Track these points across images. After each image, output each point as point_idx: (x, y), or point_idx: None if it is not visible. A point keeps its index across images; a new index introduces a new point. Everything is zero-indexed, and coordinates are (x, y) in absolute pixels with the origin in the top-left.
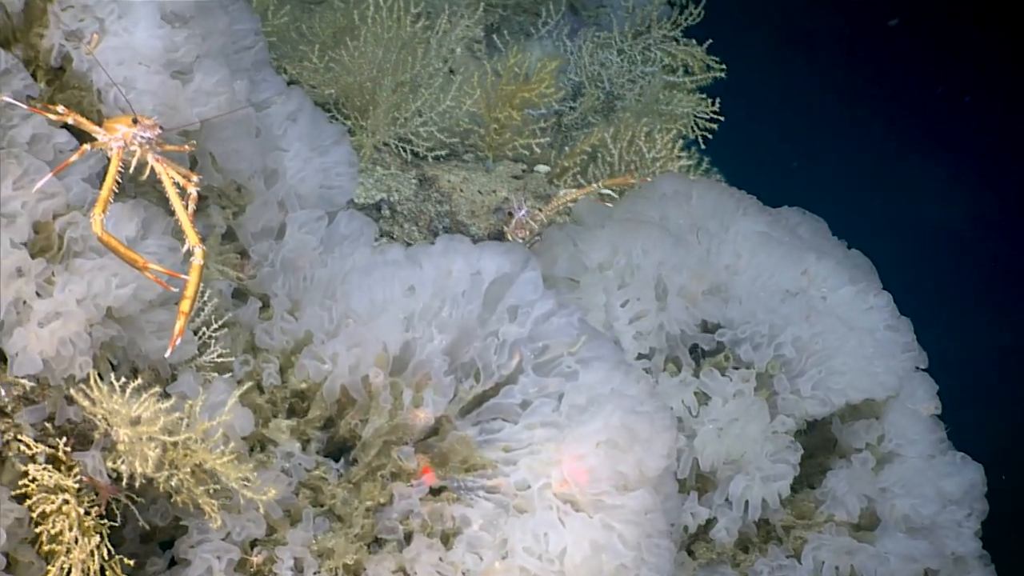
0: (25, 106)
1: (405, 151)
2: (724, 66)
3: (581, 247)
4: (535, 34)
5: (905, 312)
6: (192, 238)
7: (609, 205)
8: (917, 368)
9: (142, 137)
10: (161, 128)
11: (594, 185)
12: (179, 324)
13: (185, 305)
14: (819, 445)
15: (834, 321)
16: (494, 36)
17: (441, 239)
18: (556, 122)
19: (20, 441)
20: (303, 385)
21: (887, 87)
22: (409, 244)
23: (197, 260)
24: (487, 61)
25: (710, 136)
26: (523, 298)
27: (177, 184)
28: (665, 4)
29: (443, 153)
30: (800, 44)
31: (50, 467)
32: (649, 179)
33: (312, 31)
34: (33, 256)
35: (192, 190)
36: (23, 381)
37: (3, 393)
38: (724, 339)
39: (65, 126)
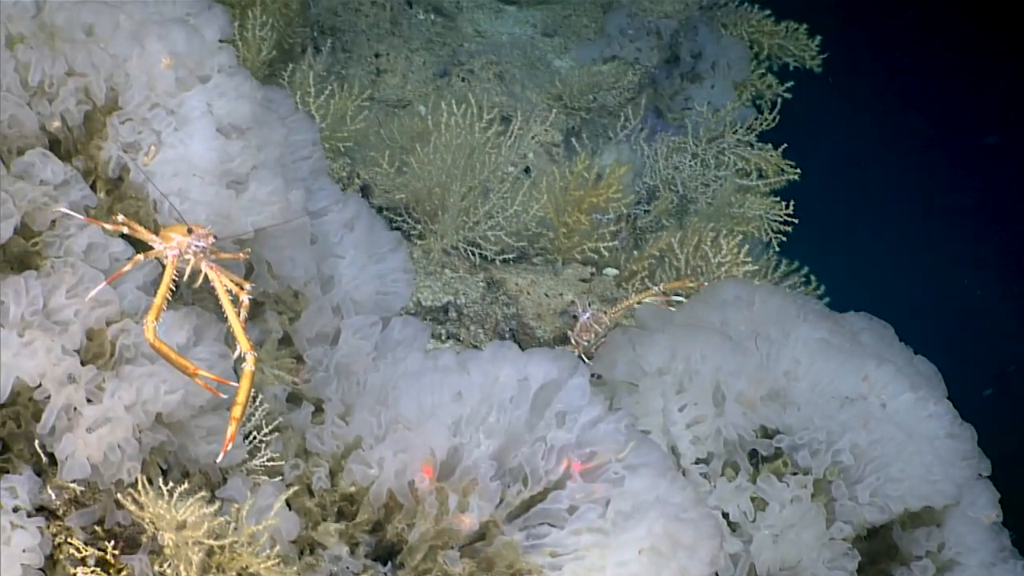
0: (82, 216)
1: (473, 254)
2: (799, 169)
3: (640, 351)
4: (613, 138)
5: None
6: (244, 345)
7: (672, 309)
8: (980, 476)
9: (196, 246)
10: (215, 237)
11: (654, 288)
12: (231, 430)
13: (237, 411)
14: (880, 551)
15: (893, 428)
16: (572, 139)
17: (490, 345)
18: (632, 225)
19: (71, 544)
20: (352, 489)
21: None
22: (476, 346)
23: (249, 366)
24: (564, 164)
25: (784, 238)
26: (571, 404)
27: (230, 291)
28: (750, 106)
29: (512, 256)
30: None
31: (99, 570)
32: (706, 283)
33: (391, 136)
34: (87, 362)
35: (244, 298)
36: (73, 485)
37: (54, 496)
38: (782, 445)
39: (123, 235)
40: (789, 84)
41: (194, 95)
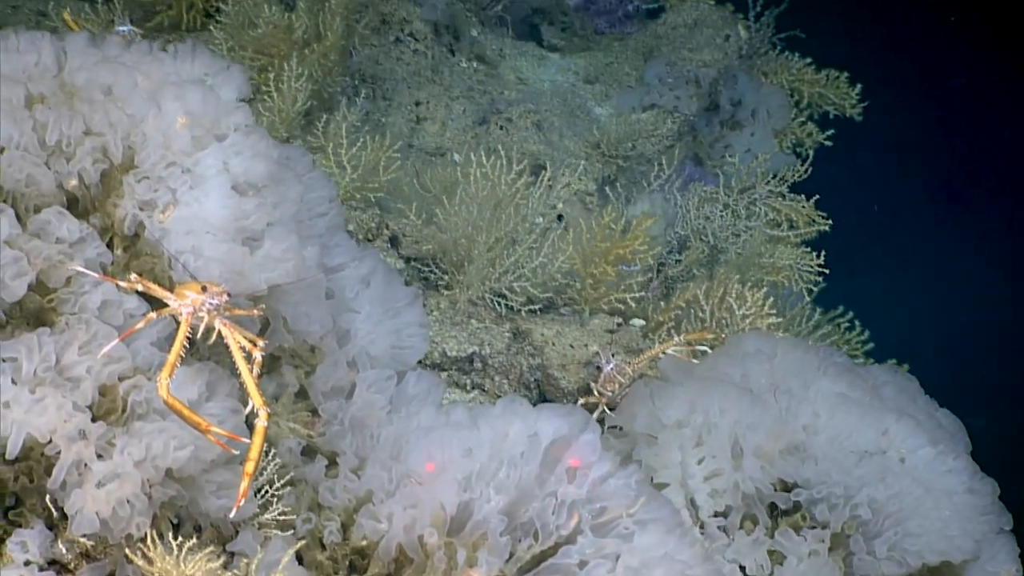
0: (97, 275)
1: (499, 305)
2: (830, 221)
3: (659, 404)
4: (647, 187)
5: None
6: (256, 400)
7: (695, 361)
8: (1001, 530)
9: (210, 304)
10: (229, 295)
11: (676, 339)
12: (243, 485)
13: (249, 467)
14: None
15: (910, 483)
16: (606, 188)
17: (501, 401)
18: (663, 275)
19: None
20: (363, 543)
21: None
22: (500, 396)
23: (261, 422)
24: (594, 214)
25: (813, 288)
26: (581, 459)
27: (244, 347)
28: (790, 153)
29: (538, 307)
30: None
31: None
32: (724, 334)
33: (423, 186)
34: (99, 417)
35: (257, 354)
36: (83, 539)
37: (65, 550)
38: (801, 498)
39: (139, 291)
40: (830, 132)
41: (210, 154)
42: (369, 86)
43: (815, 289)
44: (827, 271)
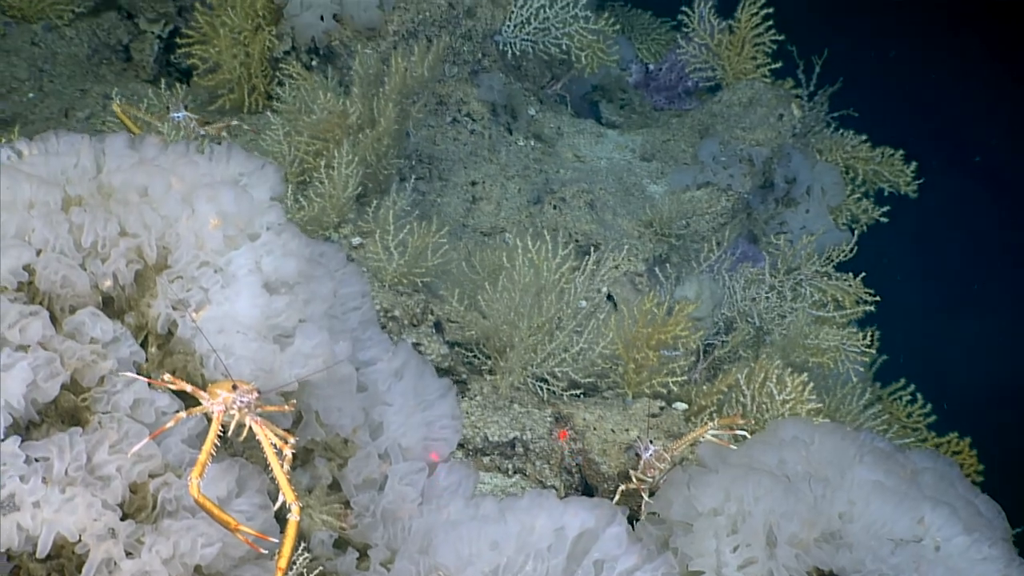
0: (136, 376)
1: (541, 389)
2: (878, 298)
3: (694, 491)
4: (697, 267)
5: None
6: (288, 496)
7: (733, 447)
8: None
9: (241, 401)
10: (259, 392)
11: (709, 424)
12: None
13: (282, 562)
14: None
15: (945, 571)
16: (656, 269)
17: (529, 494)
18: (711, 357)
19: None
20: None
21: None
22: (541, 482)
23: (293, 517)
24: (644, 295)
25: (862, 368)
26: (608, 552)
27: (275, 444)
28: (846, 230)
29: (580, 392)
30: None
31: None
32: (752, 419)
33: (473, 268)
34: (130, 514)
35: (288, 451)
36: None
37: None
38: None
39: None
40: (885, 208)
41: (242, 253)
42: (426, 166)
43: (864, 369)
44: (882, 344)
